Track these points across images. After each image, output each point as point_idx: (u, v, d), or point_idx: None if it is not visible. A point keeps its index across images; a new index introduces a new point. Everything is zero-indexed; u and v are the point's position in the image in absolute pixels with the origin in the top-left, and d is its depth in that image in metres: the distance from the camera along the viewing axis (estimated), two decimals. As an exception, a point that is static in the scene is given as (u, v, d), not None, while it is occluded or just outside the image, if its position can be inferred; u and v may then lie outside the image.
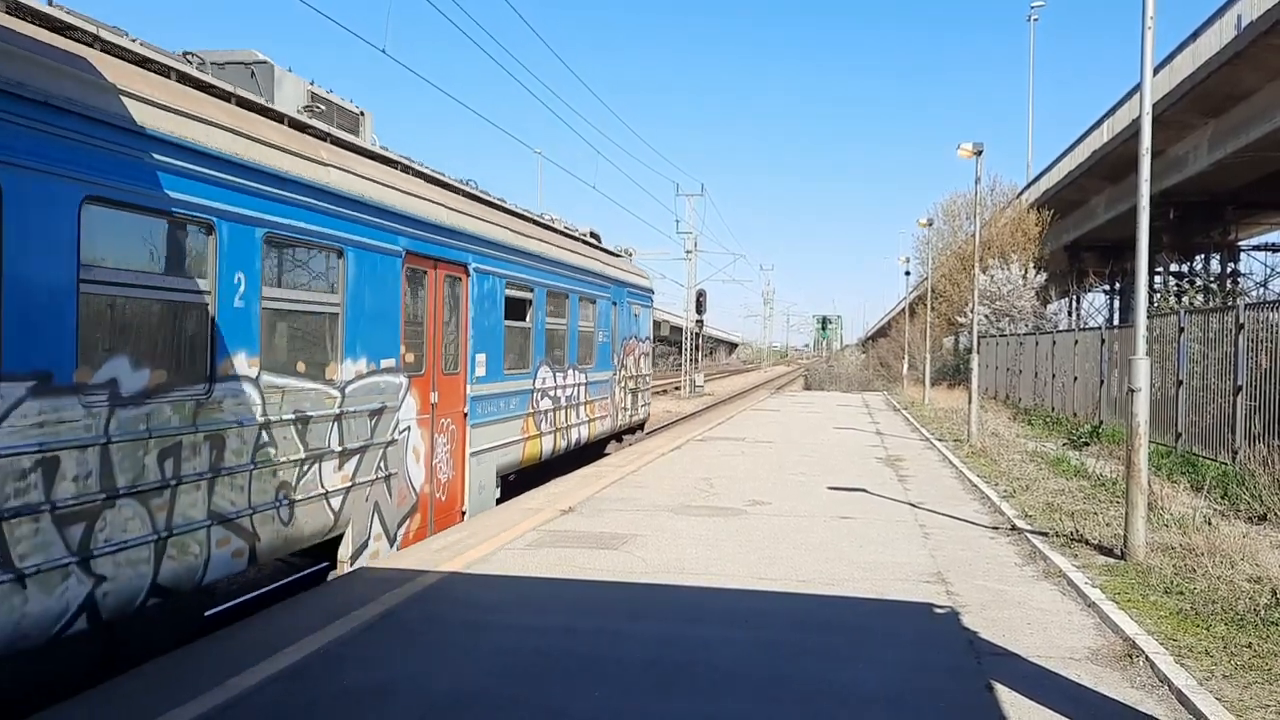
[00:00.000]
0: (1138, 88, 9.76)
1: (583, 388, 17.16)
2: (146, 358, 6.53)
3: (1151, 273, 35.72)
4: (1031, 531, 10.90)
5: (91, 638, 6.23)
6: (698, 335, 57.27)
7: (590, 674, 6.22)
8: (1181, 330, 16.39)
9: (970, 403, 22.28)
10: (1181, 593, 8.14)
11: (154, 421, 6.54)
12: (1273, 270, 42.82)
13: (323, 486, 8.58)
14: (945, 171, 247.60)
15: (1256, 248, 45.39)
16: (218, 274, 7.17)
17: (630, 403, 21.26)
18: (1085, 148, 39.06)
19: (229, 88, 8.10)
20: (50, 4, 6.69)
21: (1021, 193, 50.13)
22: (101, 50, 6.76)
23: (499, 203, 14.31)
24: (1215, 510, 11.74)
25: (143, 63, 7.23)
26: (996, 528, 11.51)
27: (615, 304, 19.56)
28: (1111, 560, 9.43)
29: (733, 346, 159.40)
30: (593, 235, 20.04)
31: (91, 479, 6.01)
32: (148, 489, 6.47)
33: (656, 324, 48.84)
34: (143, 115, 6.48)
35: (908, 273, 53.70)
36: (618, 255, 21.61)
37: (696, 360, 57.45)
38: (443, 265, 11.16)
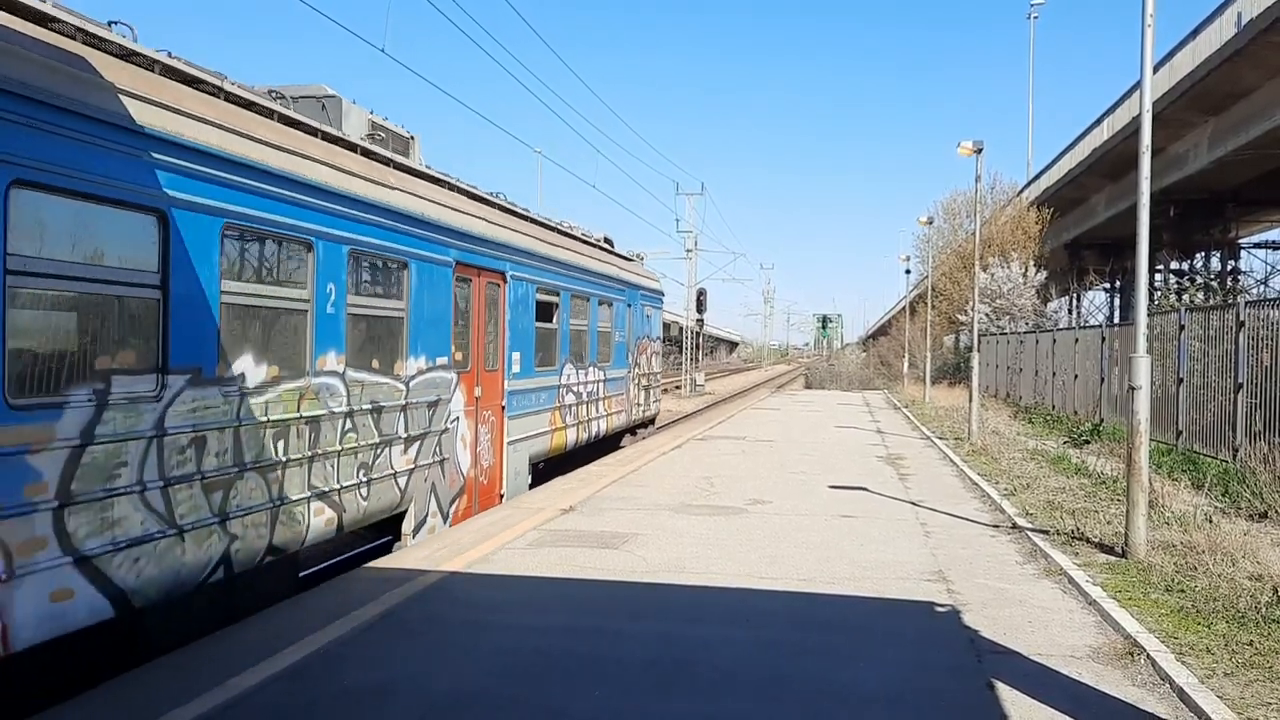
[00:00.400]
0: (1138, 85, 9.75)
1: (602, 384, 18.36)
2: (266, 356, 7.79)
3: (1152, 270, 35.72)
4: (1032, 530, 10.89)
5: (224, 586, 7.40)
6: (698, 334, 57.23)
7: (590, 674, 6.22)
8: (1182, 328, 16.38)
9: (971, 401, 22.27)
10: (1183, 590, 8.14)
11: (271, 409, 7.80)
12: (1273, 268, 42.84)
13: (392, 468, 9.85)
14: (946, 170, 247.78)
15: (1257, 245, 45.40)
16: (315, 286, 8.46)
17: (643, 399, 22.44)
18: (1085, 146, 39.05)
19: (315, 124, 9.30)
20: (196, 67, 7.75)
21: (1022, 191, 50.12)
22: (225, 99, 7.93)
23: (527, 214, 15.42)
24: (1216, 508, 11.73)
25: (248, 105, 8.31)
26: (997, 526, 11.50)
27: (629, 306, 20.73)
28: (1112, 558, 9.43)
29: (733, 345, 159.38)
30: (606, 240, 20.84)
31: (228, 455, 7.30)
32: (266, 465, 7.72)
33: (657, 323, 49.65)
34: (267, 157, 7.83)
35: (908, 271, 53.72)
36: (629, 259, 22.56)
37: (697, 359, 57.41)
38: (485, 273, 12.43)
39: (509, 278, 13.18)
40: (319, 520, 8.47)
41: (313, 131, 9.10)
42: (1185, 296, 23.91)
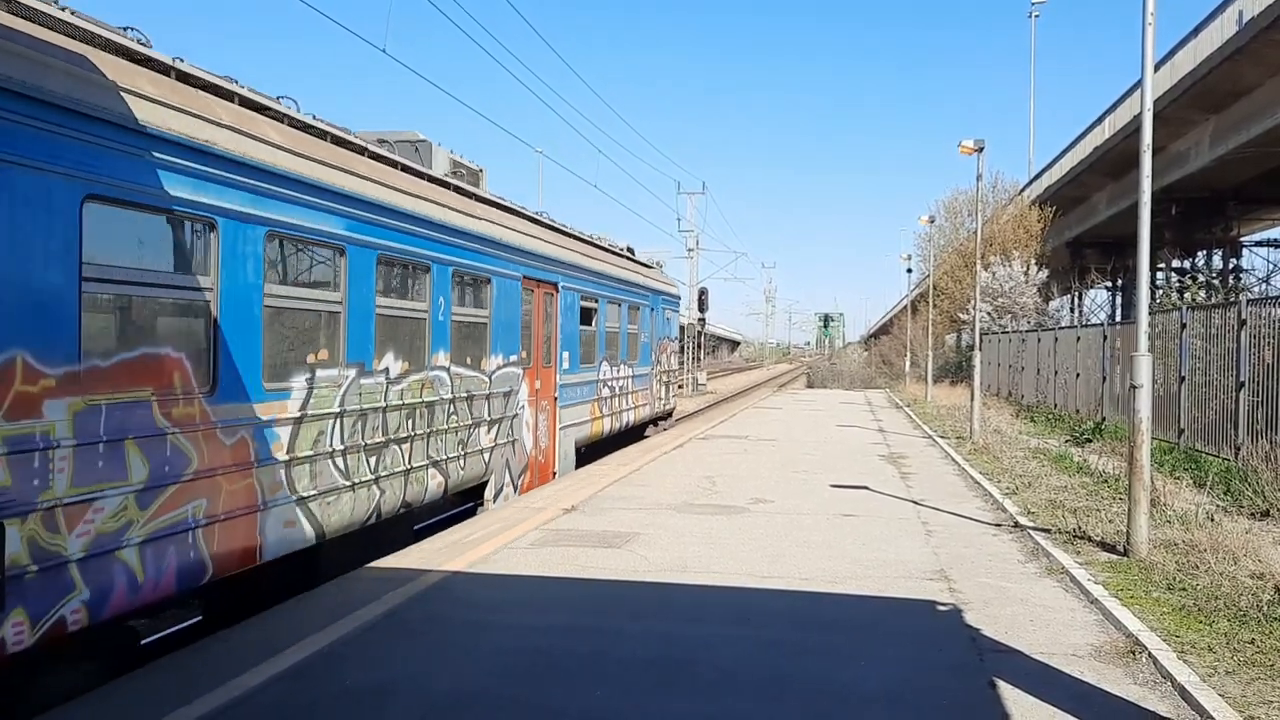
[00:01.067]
0: (1139, 84, 9.75)
1: (630, 379, 20.75)
2: (401, 354, 10.08)
3: (1153, 269, 35.68)
4: (1034, 528, 10.89)
5: (371, 530, 9.56)
6: (700, 333, 57.24)
7: (592, 673, 6.22)
8: (1184, 326, 16.37)
9: (972, 400, 22.27)
10: (1184, 589, 8.13)
11: (405, 394, 10.10)
12: (1275, 266, 42.87)
13: (480, 445, 12.22)
14: (947, 169, 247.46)
15: (1258, 244, 45.42)
16: (431, 299, 10.81)
17: (664, 393, 24.66)
18: (1087, 144, 39.03)
19: (420, 168, 11.54)
20: (318, 119, 9.39)
21: (1023, 189, 50.10)
22: (370, 157, 10.04)
23: (569, 230, 17.65)
24: (1218, 506, 11.72)
25: (384, 160, 10.49)
26: (999, 525, 11.50)
27: (652, 310, 22.84)
28: (1114, 557, 9.42)
29: (735, 345, 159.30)
30: (629, 250, 22.68)
31: (379, 429, 9.55)
32: (402, 438, 10.01)
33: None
34: (405, 203, 10.14)
35: (910, 270, 53.70)
36: (650, 267, 24.79)
37: (699, 358, 57.41)
38: (542, 285, 14.67)
39: (560, 288, 15.46)
40: (433, 484, 10.86)
41: (419, 174, 11.32)
42: (1187, 295, 23.89)
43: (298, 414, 8.11)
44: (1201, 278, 31.05)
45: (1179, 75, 28.32)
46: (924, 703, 5.82)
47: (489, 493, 12.63)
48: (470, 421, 11.84)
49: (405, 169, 10.89)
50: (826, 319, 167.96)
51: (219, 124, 7.28)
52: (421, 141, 12.41)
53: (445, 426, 11.09)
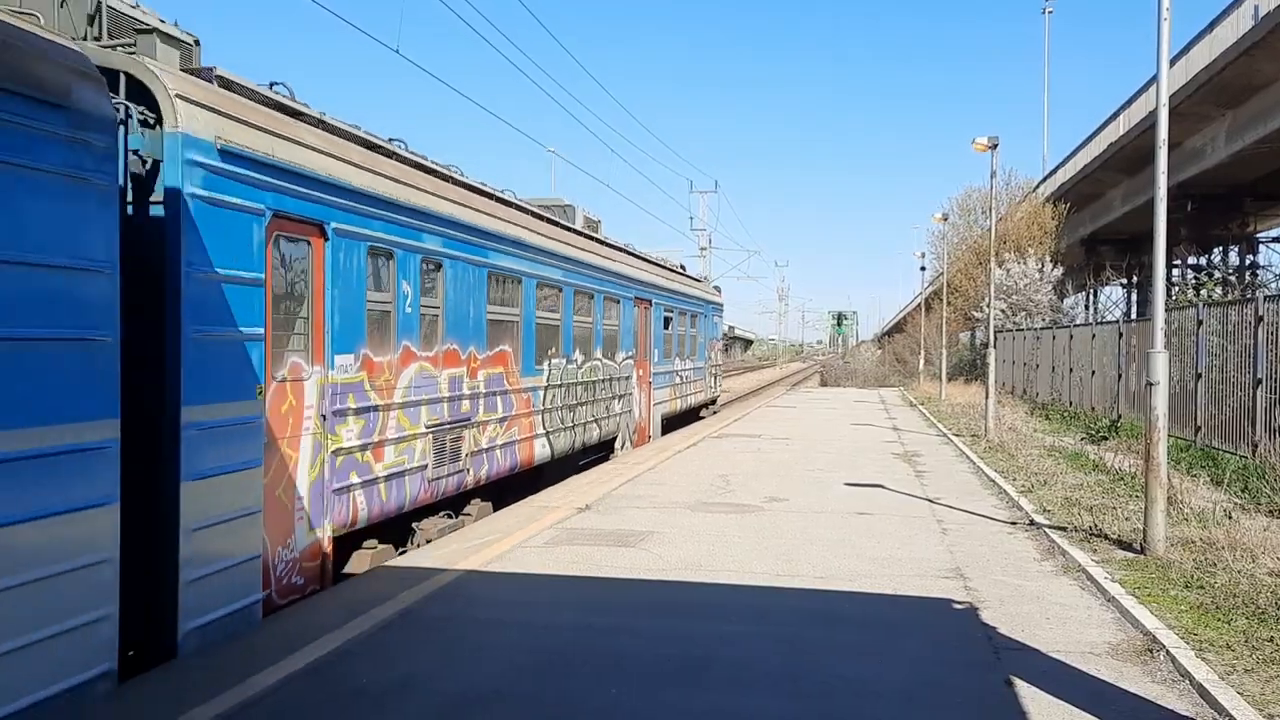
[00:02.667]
0: (1154, 79, 9.70)
1: (692, 371, 26.72)
2: (582, 349, 15.85)
3: (1169, 266, 35.36)
4: (1050, 526, 10.85)
5: (565, 458, 15.29)
6: (713, 332, 57.16)
7: (607, 671, 6.23)
8: (1200, 323, 16.29)
9: (987, 398, 22.19)
10: (1202, 587, 8.09)
11: (582, 375, 15.85)
12: (1292, 262, 42.45)
13: (615, 411, 18.21)
14: (961, 165, 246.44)
15: (1275, 240, 45.06)
16: (595, 314, 16.71)
17: (713, 383, 31.04)
18: (1101, 140, 38.85)
19: (569, 224, 16.85)
20: (494, 189, 13.57)
21: (1037, 186, 49.89)
22: (528, 214, 14.35)
23: (651, 259, 23.84)
24: (1235, 504, 11.65)
25: (569, 229, 16.76)
26: (1014, 523, 11.46)
27: (705, 316, 28.66)
28: (1131, 555, 9.38)
29: (748, 343, 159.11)
30: (681, 267, 29.59)
31: (575, 396, 15.43)
32: (584, 402, 15.89)
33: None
34: (588, 258, 16.44)
35: (923, 268, 53.54)
36: (701, 281, 32.05)
37: (712, 357, 57.30)
38: (642, 302, 20.48)
39: (652, 304, 21.42)
40: (593, 434, 16.68)
41: (572, 230, 16.67)
42: (1203, 291, 23.78)
43: (545, 383, 14.04)
44: (1218, 274, 30.88)
45: (1194, 70, 28.16)
46: (940, 700, 5.80)
47: (618, 444, 18.86)
48: (611, 395, 17.89)
49: (582, 234, 17.11)
50: (840, 317, 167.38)
51: (519, 228, 13.17)
52: (567, 206, 18.04)
53: (601, 398, 17.13)
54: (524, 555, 9.44)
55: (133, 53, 6.66)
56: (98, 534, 5.53)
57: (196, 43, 7.63)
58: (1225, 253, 40.98)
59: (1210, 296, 21.33)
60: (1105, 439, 19.55)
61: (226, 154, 6.85)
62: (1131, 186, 39.83)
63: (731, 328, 47.19)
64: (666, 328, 22.85)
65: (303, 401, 7.96)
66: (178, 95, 6.48)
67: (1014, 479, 14.68)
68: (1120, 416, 21.14)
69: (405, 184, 9.83)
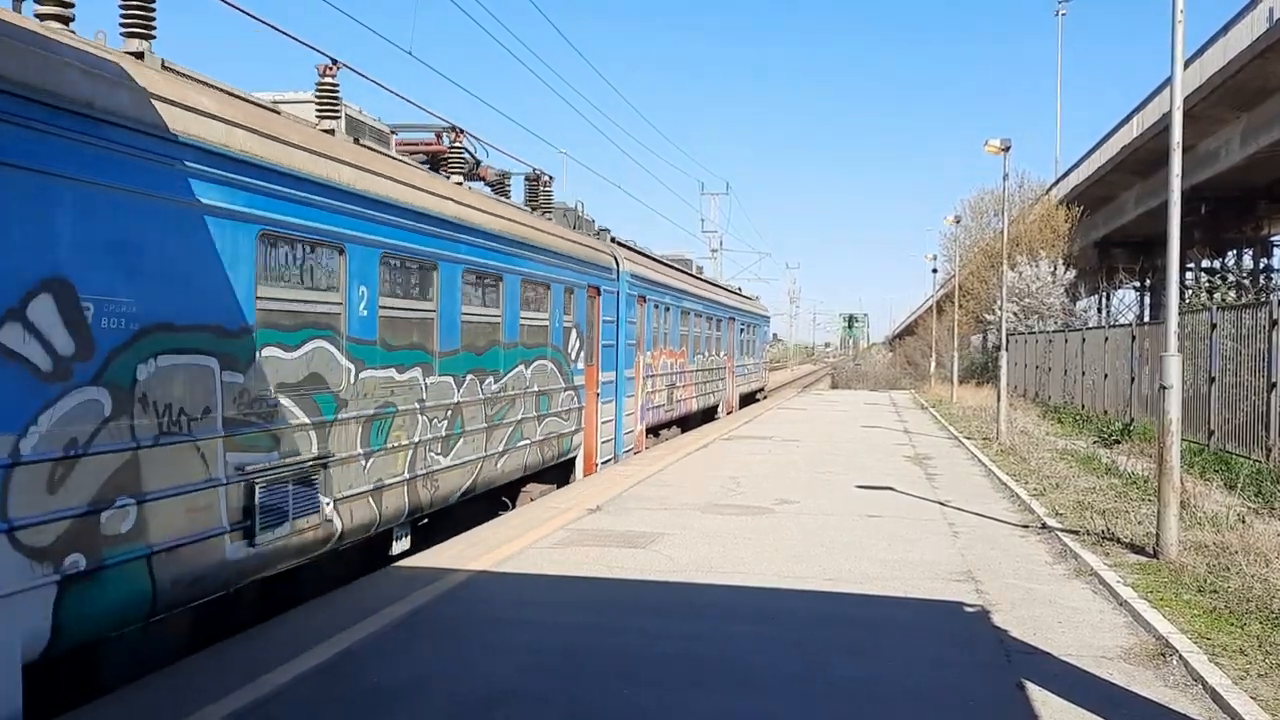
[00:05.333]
0: (1168, 82, 9.67)
1: (753, 365, 38.63)
2: (705, 347, 27.10)
3: (1182, 269, 35.22)
4: (1062, 530, 10.82)
5: (706, 413, 27.74)
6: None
7: (619, 672, 6.23)
8: (1214, 326, 16.21)
9: (999, 400, 22.14)
10: (1215, 591, 8.06)
11: (710, 363, 27.84)
12: (1306, 266, 42.18)
13: (718, 390, 29.46)
14: (974, 168, 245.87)
15: (1290, 243, 44.74)
16: (697, 327, 25.99)
17: (764, 376, 44.16)
18: (1114, 143, 38.72)
19: (699, 276, 30.81)
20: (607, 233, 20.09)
21: (1050, 189, 49.75)
22: (656, 261, 23.97)
23: (728, 286, 36.94)
24: (1249, 508, 11.60)
25: (691, 275, 29.32)
26: (1026, 526, 11.43)
27: (759, 326, 40.55)
28: (1143, 559, 9.35)
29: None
30: (739, 289, 40.57)
31: (707, 375, 27.45)
32: (702, 383, 26.64)
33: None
34: (711, 294, 29.27)
35: (935, 270, 53.48)
36: (754, 299, 42.15)
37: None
38: (730, 321, 31.21)
39: (735, 321, 32.57)
40: (710, 400, 27.93)
41: (700, 278, 29.89)
42: (1217, 295, 23.65)
43: (697, 368, 25.05)
44: (1231, 277, 30.66)
45: (1208, 73, 28.05)
46: (952, 703, 5.79)
47: (720, 412, 29.79)
48: (718, 379, 28.83)
49: (705, 280, 29.00)
50: (851, 319, 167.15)
51: (645, 261, 21.58)
52: (687, 260, 27.92)
53: (714, 379, 28.14)
54: (535, 556, 9.45)
55: (612, 240, 18.43)
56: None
57: (604, 231, 18.28)
58: (1239, 256, 40.78)
59: (1224, 300, 21.23)
60: (1118, 442, 19.47)
61: (634, 279, 18.27)
62: (1145, 189, 39.67)
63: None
64: (737, 335, 33.72)
65: (641, 372, 19.24)
66: (625, 259, 17.94)
67: (1026, 482, 14.64)
68: (1133, 420, 21.06)
69: (697, 283, 26.44)
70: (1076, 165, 45.83)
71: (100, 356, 5.64)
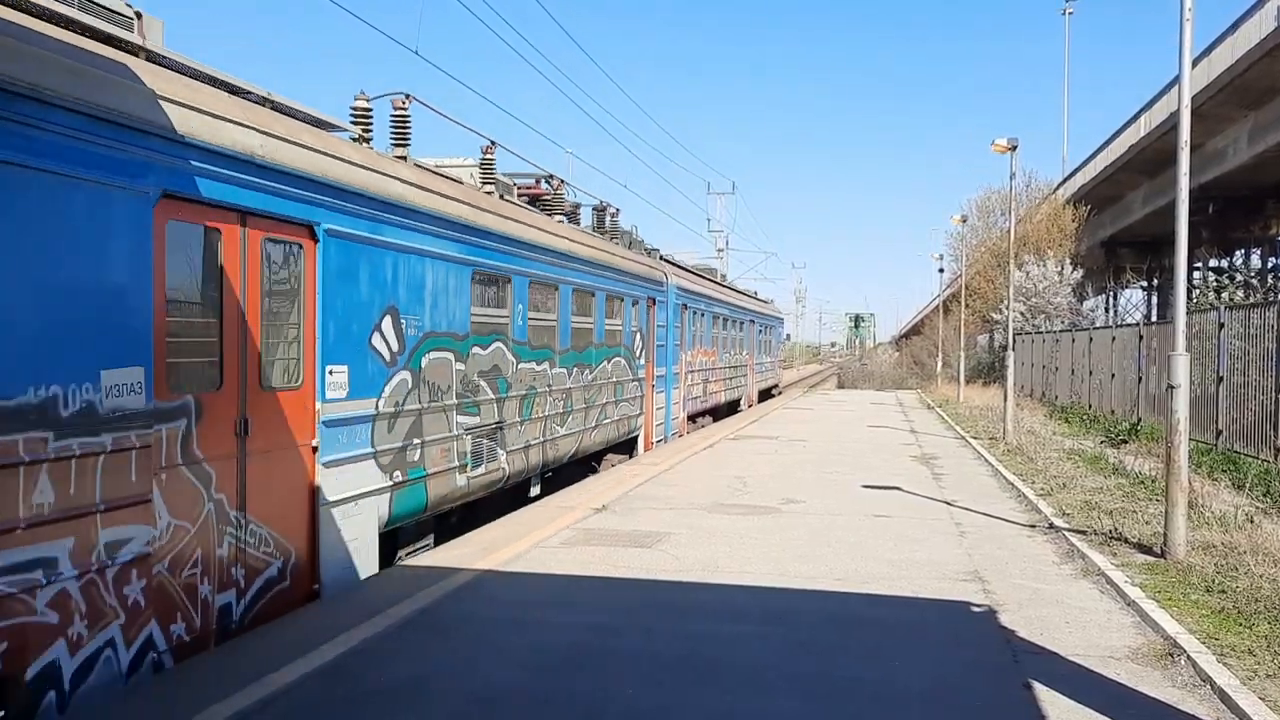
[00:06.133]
0: (1176, 80, 9.63)
1: (770, 363, 42.55)
2: (730, 346, 30.74)
3: (1190, 268, 35.19)
4: (1069, 530, 10.79)
5: (731, 405, 30.89)
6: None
7: (624, 671, 6.23)
8: (1221, 326, 16.16)
9: (1005, 400, 22.09)
10: (1223, 591, 8.03)
11: (731, 361, 30.82)
12: (1315, 265, 42.01)
13: (743, 384, 33.59)
14: (980, 167, 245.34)
15: (1298, 242, 44.57)
16: (746, 334, 34.50)
17: (778, 373, 48.32)
18: (1122, 142, 38.58)
19: (731, 286, 37.10)
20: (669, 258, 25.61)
21: (1057, 188, 49.59)
22: (723, 285, 33.61)
23: (751, 294, 41.11)
24: (1258, 508, 11.55)
25: (730, 288, 35.91)
26: (1033, 526, 11.40)
27: (774, 328, 44.50)
28: (1151, 559, 9.32)
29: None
30: (755, 293, 43.41)
31: (730, 372, 30.73)
32: (734, 375, 31.56)
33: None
34: (739, 299, 35.33)
35: (941, 270, 53.34)
36: (769, 303, 46.87)
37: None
38: (753, 323, 35.59)
39: (755, 323, 35.97)
40: (735, 394, 31.44)
41: (731, 287, 36.20)
42: (1225, 294, 23.58)
43: (726, 365, 29.44)
44: (1239, 277, 30.57)
45: (1217, 71, 27.92)
46: (958, 703, 5.78)
47: (743, 405, 33.10)
48: (742, 375, 32.07)
49: (733, 288, 34.69)
50: (857, 319, 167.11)
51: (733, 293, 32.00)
52: (713, 269, 33.15)
53: (739, 374, 31.80)
54: (541, 555, 9.45)
55: (660, 258, 22.61)
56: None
57: (655, 251, 22.42)
58: (1247, 255, 40.66)
59: (1232, 299, 21.17)
60: (1125, 442, 19.42)
61: (679, 290, 22.21)
62: (1152, 188, 39.55)
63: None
64: (758, 336, 37.63)
65: (685, 367, 22.91)
66: (672, 274, 21.94)
67: (1033, 482, 14.60)
68: (1140, 420, 21.00)
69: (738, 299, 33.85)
70: (1084, 164, 45.69)
71: (408, 352, 9.22)
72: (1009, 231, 27.32)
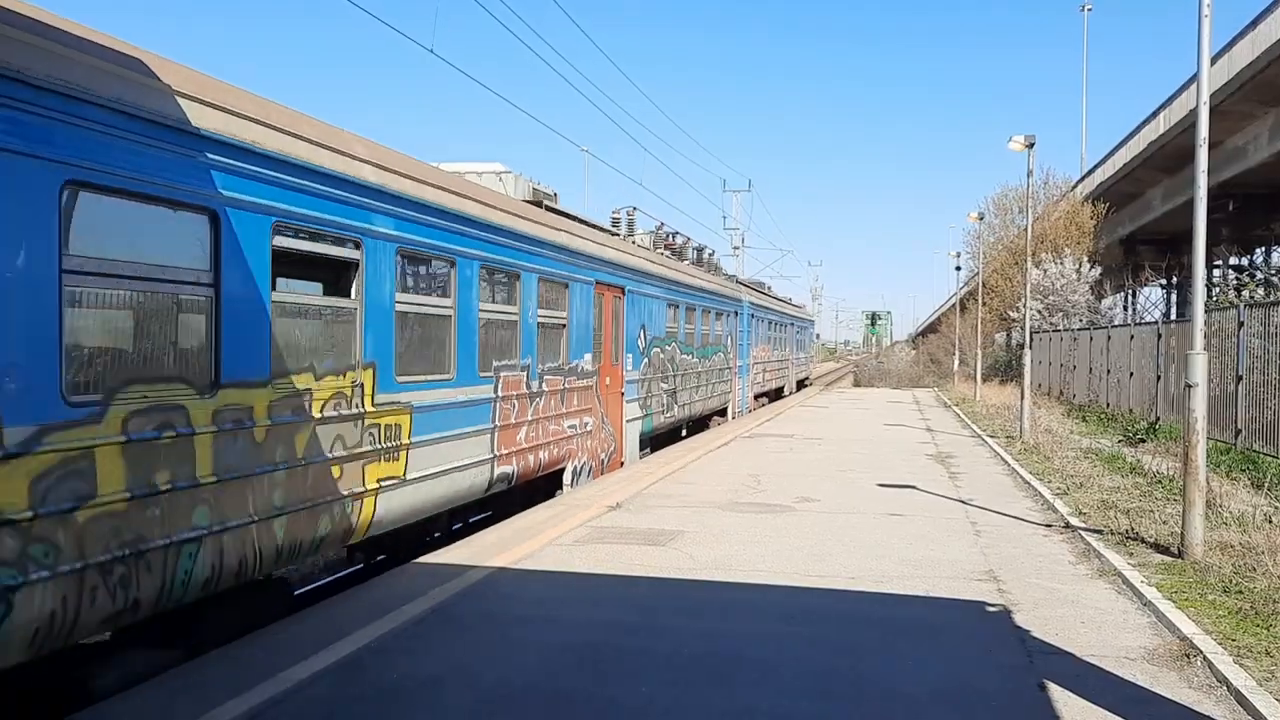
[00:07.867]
0: (1195, 78, 9.57)
1: (804, 358, 51.38)
2: (776, 346, 38.81)
3: (1209, 266, 34.87)
4: (1085, 529, 10.73)
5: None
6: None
7: (638, 669, 6.23)
8: (1241, 324, 16.05)
9: (1022, 399, 21.98)
10: (1241, 592, 7.97)
11: (779, 356, 39.93)
12: (1337, 263, 41.65)
13: (786, 375, 42.45)
14: (998, 164, 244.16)
15: (1319, 240, 44.19)
16: (792, 334, 45.11)
17: (810, 368, 56.85)
18: (1141, 139, 38.33)
19: (772, 294, 42.49)
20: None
21: (1075, 185, 49.32)
22: (772, 296, 42.40)
23: (788, 300, 49.63)
24: (1276, 508, 11.46)
25: (775, 298, 43.75)
26: (1049, 525, 11.34)
27: (806, 329, 52.03)
28: (1168, 559, 9.26)
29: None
30: (790, 299, 50.24)
31: (776, 364, 38.93)
32: (780, 369, 40.37)
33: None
34: (781, 306, 43.74)
35: (958, 268, 53.14)
36: (802, 307, 54.00)
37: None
38: (788, 325, 42.91)
39: (794, 325, 45.26)
40: (775, 385, 38.64)
41: (770, 294, 40.98)
42: (1244, 292, 23.40)
43: (768, 360, 35.80)
44: (1259, 275, 30.35)
45: (1237, 68, 27.70)
46: (973, 703, 5.76)
47: (786, 390, 41.65)
48: (785, 368, 40.57)
49: (772, 295, 40.09)
50: (874, 317, 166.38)
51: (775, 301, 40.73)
52: (762, 282, 41.28)
53: (781, 368, 39.55)
54: (555, 553, 9.47)
55: (737, 282, 32.01)
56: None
57: (732, 277, 32.61)
58: (1267, 253, 40.33)
59: (1252, 297, 21.00)
60: (1143, 441, 19.31)
61: (751, 304, 31.98)
62: (1171, 186, 39.29)
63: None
64: (795, 335, 44.46)
65: (752, 360, 31.69)
66: (745, 292, 31.53)
67: (1049, 481, 14.53)
68: (1158, 418, 20.87)
69: (776, 304, 41.24)
70: (1102, 162, 45.41)
71: (647, 347, 17.83)
72: (1026, 229, 27.19)
